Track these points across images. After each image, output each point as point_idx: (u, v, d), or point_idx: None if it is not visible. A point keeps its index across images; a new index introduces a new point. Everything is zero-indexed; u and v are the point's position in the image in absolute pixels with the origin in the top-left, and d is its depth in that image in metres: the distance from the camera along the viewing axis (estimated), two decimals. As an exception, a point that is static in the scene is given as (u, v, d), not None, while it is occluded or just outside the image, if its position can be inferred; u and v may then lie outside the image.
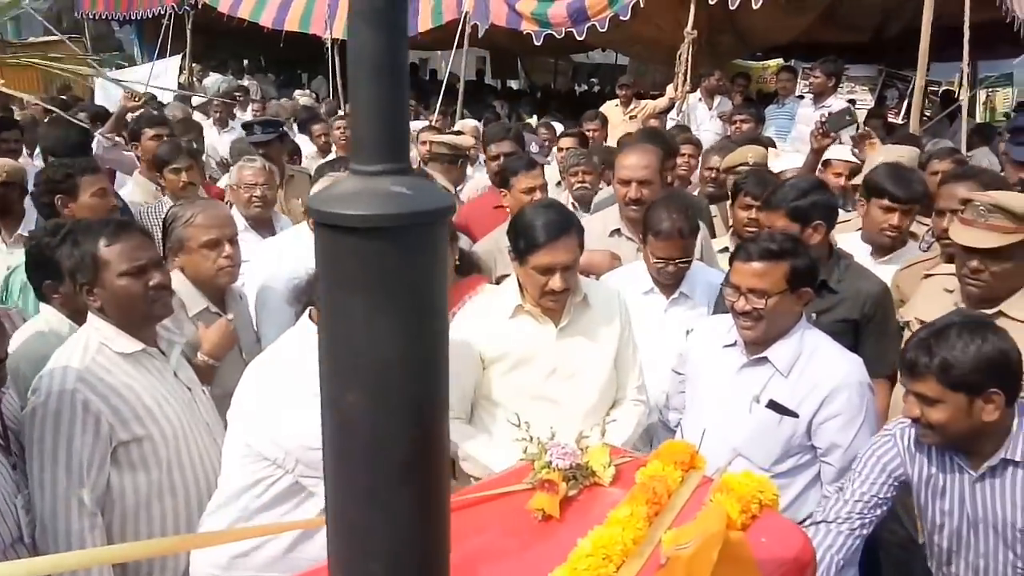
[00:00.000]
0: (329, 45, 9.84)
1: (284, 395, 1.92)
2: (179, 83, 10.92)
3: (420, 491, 0.75)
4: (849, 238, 3.31)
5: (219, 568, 2.02)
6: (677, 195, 3.02)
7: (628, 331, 2.50)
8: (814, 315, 2.61)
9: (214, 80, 11.87)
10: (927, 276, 2.76)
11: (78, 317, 2.31)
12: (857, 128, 4.64)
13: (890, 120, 8.41)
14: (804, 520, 2.27)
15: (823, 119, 4.34)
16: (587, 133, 6.08)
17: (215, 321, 2.59)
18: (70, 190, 3.24)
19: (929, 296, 2.66)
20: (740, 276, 2.28)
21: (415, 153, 5.30)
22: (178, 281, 2.62)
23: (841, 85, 10.51)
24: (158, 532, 2.11)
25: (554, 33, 8.38)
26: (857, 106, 8.46)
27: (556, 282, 2.27)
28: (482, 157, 5.18)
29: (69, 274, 2.14)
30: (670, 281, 2.87)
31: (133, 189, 4.46)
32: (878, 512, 2.03)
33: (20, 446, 1.97)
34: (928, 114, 8.32)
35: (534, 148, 4.74)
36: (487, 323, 2.40)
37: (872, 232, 3.16)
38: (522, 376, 2.37)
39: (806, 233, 2.73)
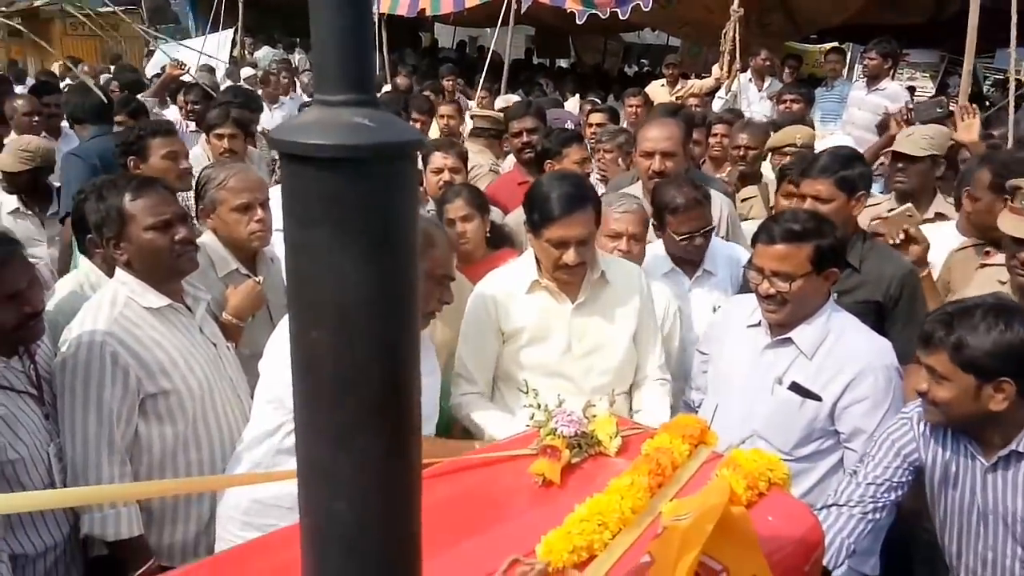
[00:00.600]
0: (376, 19, 9.84)
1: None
2: (231, 56, 11.10)
3: (387, 432, 0.74)
4: (941, 229, 3.16)
5: (239, 511, 2.06)
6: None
7: (649, 309, 2.46)
8: (835, 295, 2.54)
9: (265, 53, 12.04)
10: (982, 266, 2.67)
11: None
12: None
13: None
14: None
15: (909, 105, 4.20)
16: (630, 110, 6.03)
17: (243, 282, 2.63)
18: (140, 151, 3.31)
19: (981, 287, 2.56)
20: (763, 258, 2.22)
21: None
22: (210, 242, 2.67)
23: (901, 71, 10.17)
24: None
25: (598, 13, 8.25)
26: (917, 93, 8.18)
27: (570, 256, 2.23)
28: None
29: (95, 228, 2.18)
30: (697, 256, 2.82)
31: (200, 153, 4.56)
32: (892, 496, 1.98)
33: (53, 396, 2.03)
34: (990, 103, 7.98)
35: (569, 125, 4.73)
36: (505, 297, 2.37)
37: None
38: (537, 353, 2.35)
39: (850, 204, 2.67)
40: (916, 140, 3.46)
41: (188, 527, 2.18)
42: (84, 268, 2.57)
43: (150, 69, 9.62)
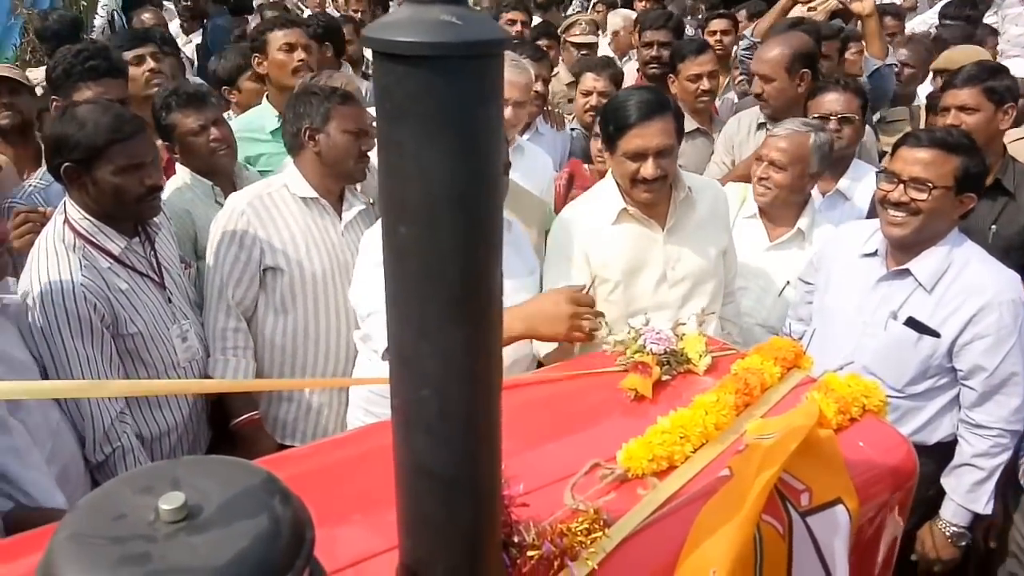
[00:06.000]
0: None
1: (364, 257, 2.11)
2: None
3: (468, 325, 0.78)
4: None
5: (362, 399, 2.31)
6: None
7: (729, 226, 2.40)
8: (993, 227, 2.40)
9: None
10: None
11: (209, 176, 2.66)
12: None
13: None
14: (936, 444, 2.16)
15: None
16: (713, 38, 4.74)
17: None
18: (260, 47, 3.33)
19: None
20: (904, 162, 2.10)
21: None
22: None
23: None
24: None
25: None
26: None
27: (648, 168, 2.06)
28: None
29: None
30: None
31: None
32: None
33: (172, 282, 2.22)
34: None
35: None
36: (590, 232, 2.21)
37: None
38: (632, 288, 2.21)
39: (998, 116, 2.58)
40: None
41: (292, 408, 2.43)
42: (180, 172, 2.72)
43: None
